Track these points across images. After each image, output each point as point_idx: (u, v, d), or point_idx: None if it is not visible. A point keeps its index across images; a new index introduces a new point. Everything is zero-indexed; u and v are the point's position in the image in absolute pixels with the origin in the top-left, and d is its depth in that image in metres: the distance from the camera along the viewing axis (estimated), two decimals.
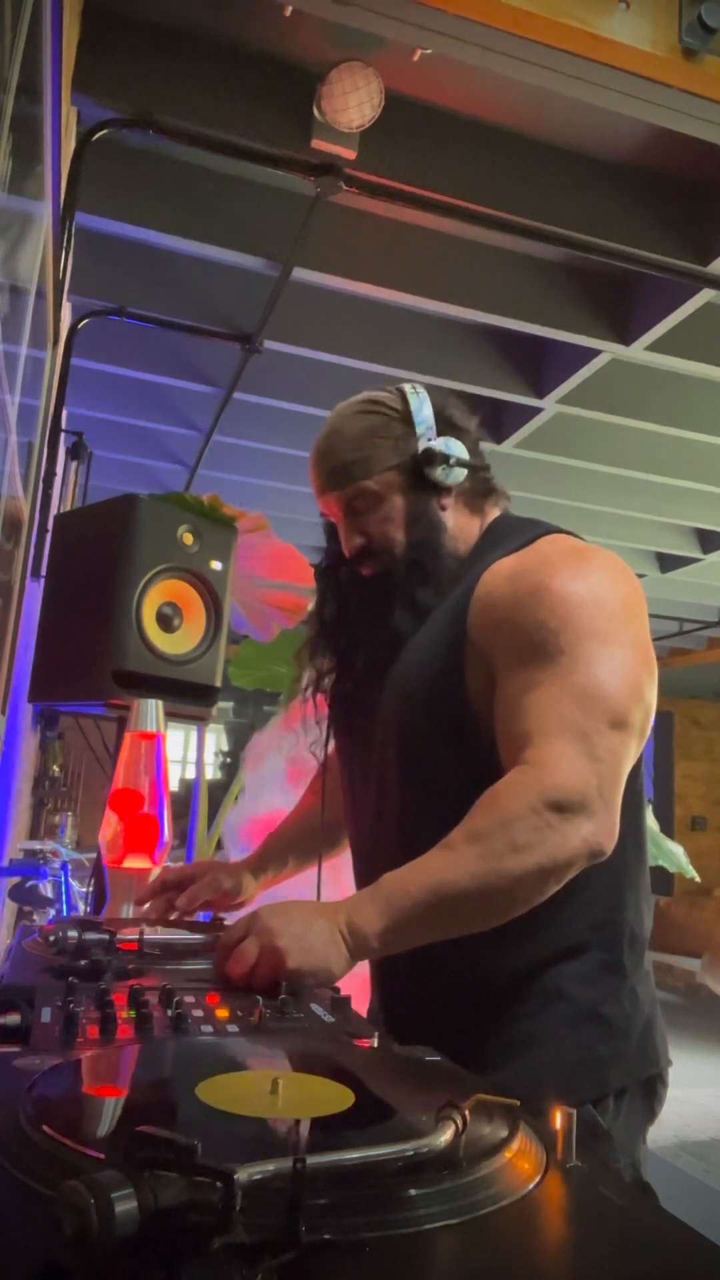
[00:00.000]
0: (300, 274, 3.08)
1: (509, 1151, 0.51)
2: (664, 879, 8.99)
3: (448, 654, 1.13)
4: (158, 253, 3.25)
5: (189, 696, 1.73)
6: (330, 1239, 0.41)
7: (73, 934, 1.00)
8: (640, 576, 6.09)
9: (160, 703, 1.53)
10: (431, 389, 1.27)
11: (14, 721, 2.27)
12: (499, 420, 4.28)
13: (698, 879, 4.65)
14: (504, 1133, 0.53)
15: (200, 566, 1.73)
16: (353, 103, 2.44)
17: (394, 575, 1.21)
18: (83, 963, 0.89)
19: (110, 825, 1.44)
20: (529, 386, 3.89)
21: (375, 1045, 0.73)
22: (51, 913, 2.37)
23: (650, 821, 3.46)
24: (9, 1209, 0.44)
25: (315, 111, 2.50)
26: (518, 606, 1.08)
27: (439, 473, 1.21)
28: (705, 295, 3.08)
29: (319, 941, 0.91)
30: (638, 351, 3.41)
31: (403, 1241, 0.43)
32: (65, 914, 2.35)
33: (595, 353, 3.54)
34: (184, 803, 4.45)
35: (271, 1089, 0.57)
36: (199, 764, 4.47)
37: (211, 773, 8.77)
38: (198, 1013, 0.77)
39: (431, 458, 1.21)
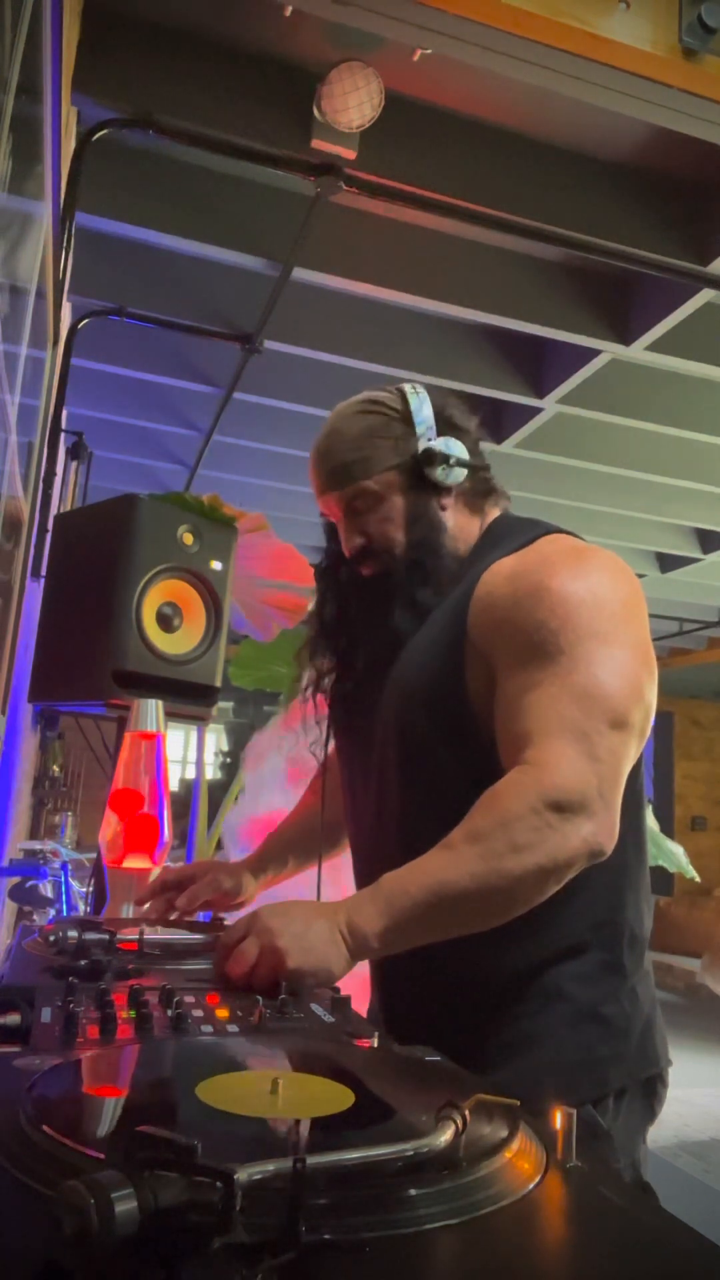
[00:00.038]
0: (300, 274, 3.08)
1: (509, 1151, 0.51)
2: (664, 879, 8.99)
3: (448, 654, 1.13)
4: (158, 253, 3.25)
5: (189, 696, 1.73)
6: (330, 1239, 0.41)
7: (73, 934, 1.00)
8: (640, 576, 6.09)
9: (160, 703, 1.53)
10: (431, 389, 1.27)
11: (14, 721, 2.27)
12: (499, 420, 4.28)
13: (698, 879, 4.66)
14: (504, 1133, 0.53)
15: (200, 566, 1.73)
16: (353, 103, 2.44)
17: (394, 575, 1.21)
18: (83, 963, 0.89)
19: (110, 825, 1.44)
20: (529, 386, 3.89)
21: (375, 1045, 0.73)
22: (51, 913, 2.37)
23: (650, 821, 3.46)
24: (9, 1209, 0.44)
25: (315, 111, 2.50)
26: (518, 606, 1.08)
27: (439, 473, 1.21)
28: (705, 295, 3.08)
29: (319, 941, 0.91)
30: (638, 351, 3.41)
31: (403, 1241, 0.43)
32: (65, 914, 2.35)
33: (595, 353, 3.54)
34: (184, 803, 4.45)
35: (271, 1089, 0.57)
36: (199, 764, 4.47)
37: (211, 773, 8.77)
38: (198, 1013, 0.77)
39: (431, 458, 1.21)
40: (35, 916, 2.46)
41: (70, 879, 2.49)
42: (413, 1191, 0.45)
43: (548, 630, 1.04)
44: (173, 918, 1.25)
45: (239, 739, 9.17)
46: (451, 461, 1.21)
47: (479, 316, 3.35)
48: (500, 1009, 1.08)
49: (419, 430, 1.22)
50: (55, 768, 4.49)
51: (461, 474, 1.22)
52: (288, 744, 3.19)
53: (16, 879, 2.26)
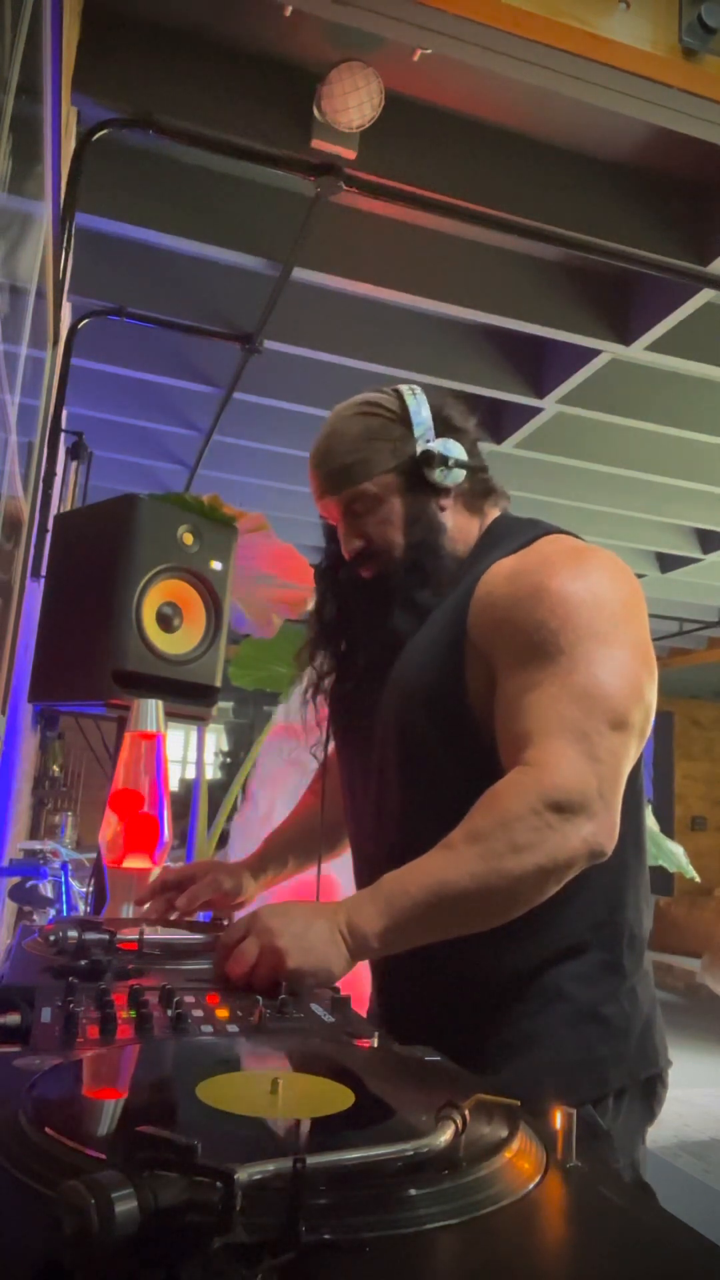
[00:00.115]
0: (300, 274, 3.08)
1: (509, 1151, 0.51)
2: (664, 879, 8.99)
3: (448, 654, 1.13)
4: (158, 253, 3.25)
5: (189, 696, 1.73)
6: (330, 1239, 0.41)
7: (73, 934, 1.00)
8: (640, 576, 6.11)
9: (160, 703, 1.53)
10: (429, 390, 1.27)
11: (14, 721, 2.27)
12: (499, 420, 4.28)
13: (698, 879, 4.66)
14: (504, 1133, 0.53)
15: (200, 566, 1.74)
16: (353, 103, 2.44)
17: (393, 577, 1.21)
18: (83, 963, 0.89)
19: (110, 825, 1.44)
20: (529, 386, 3.89)
21: (375, 1045, 0.73)
22: (51, 913, 2.37)
23: (650, 821, 3.46)
24: (9, 1209, 0.44)
25: (315, 111, 2.50)
26: (517, 607, 1.08)
27: (437, 474, 1.21)
28: (705, 295, 3.08)
29: (319, 941, 0.91)
30: (638, 351, 3.41)
31: (403, 1241, 0.43)
32: (65, 914, 2.35)
33: (595, 353, 3.54)
34: (184, 803, 4.45)
35: (271, 1089, 0.57)
36: (199, 764, 4.47)
37: (211, 773, 8.77)
38: (198, 1013, 0.77)
39: (430, 459, 1.21)
40: (35, 916, 2.46)
41: (70, 879, 2.49)
42: (413, 1191, 0.45)
43: (548, 630, 1.04)
44: (173, 918, 1.25)
45: (239, 739, 9.18)
46: (450, 463, 1.21)
47: (479, 316, 3.35)
48: (500, 1009, 1.08)
49: (417, 432, 1.22)
50: (55, 768, 4.49)
51: (460, 475, 1.22)
52: (289, 748, 3.19)
53: (16, 879, 2.26)
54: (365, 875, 1.21)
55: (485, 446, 1.31)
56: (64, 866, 2.44)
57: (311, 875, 1.35)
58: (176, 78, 2.47)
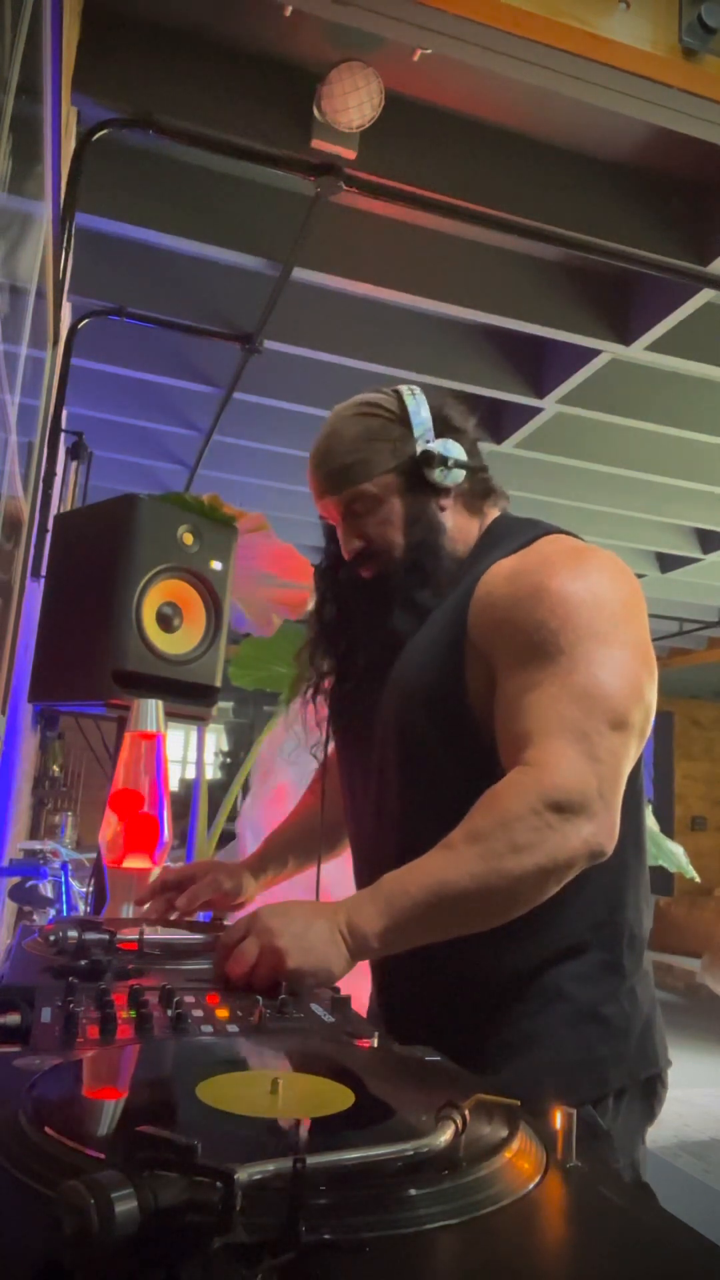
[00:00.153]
0: (300, 274, 3.08)
1: (509, 1151, 0.51)
2: (664, 879, 8.99)
3: (448, 655, 1.13)
4: (158, 253, 3.25)
5: (189, 696, 1.73)
6: (330, 1239, 0.41)
7: (73, 934, 1.00)
8: (640, 576, 6.11)
9: (160, 703, 1.53)
10: (429, 390, 1.27)
11: (14, 721, 2.27)
12: (499, 420, 4.28)
13: (698, 879, 4.66)
14: (504, 1133, 0.53)
15: (200, 566, 1.74)
16: (353, 103, 2.44)
17: (393, 577, 1.21)
18: (83, 963, 0.89)
19: (110, 825, 1.44)
20: (529, 386, 3.89)
21: (375, 1045, 0.73)
22: (51, 913, 2.37)
23: (650, 821, 3.46)
24: (9, 1209, 0.44)
25: (315, 111, 2.50)
26: (517, 607, 1.08)
27: (437, 474, 1.21)
28: (705, 295, 3.08)
29: (319, 941, 0.91)
30: (638, 351, 3.41)
31: (403, 1241, 0.43)
32: (65, 914, 2.35)
33: (595, 353, 3.54)
34: (184, 803, 4.45)
35: (271, 1089, 0.57)
36: (199, 764, 4.47)
37: (211, 773, 8.77)
38: (198, 1013, 0.77)
39: (430, 460, 1.21)
40: (35, 916, 2.46)
41: (70, 879, 2.49)
42: (413, 1191, 0.45)
43: (548, 630, 1.04)
44: (173, 918, 1.25)
45: (239, 739, 9.18)
46: (450, 463, 1.21)
47: (479, 316, 3.35)
48: (500, 1009, 1.08)
49: (417, 432, 1.22)
50: (55, 768, 4.49)
51: (460, 475, 1.22)
52: (289, 746, 3.19)
53: (16, 879, 2.25)
54: (365, 875, 1.21)
55: (485, 446, 1.31)
56: (64, 866, 2.44)
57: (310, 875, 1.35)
58: (176, 78, 2.47)
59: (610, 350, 3.46)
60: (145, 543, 1.67)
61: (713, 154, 2.57)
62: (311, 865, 1.37)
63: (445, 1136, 0.48)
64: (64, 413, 2.52)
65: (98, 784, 1.85)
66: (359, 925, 0.93)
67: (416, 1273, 0.42)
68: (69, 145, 2.25)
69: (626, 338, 3.37)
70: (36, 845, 2.63)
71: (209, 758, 8.99)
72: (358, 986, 0.96)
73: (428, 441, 1.22)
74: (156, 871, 1.41)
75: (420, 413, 1.23)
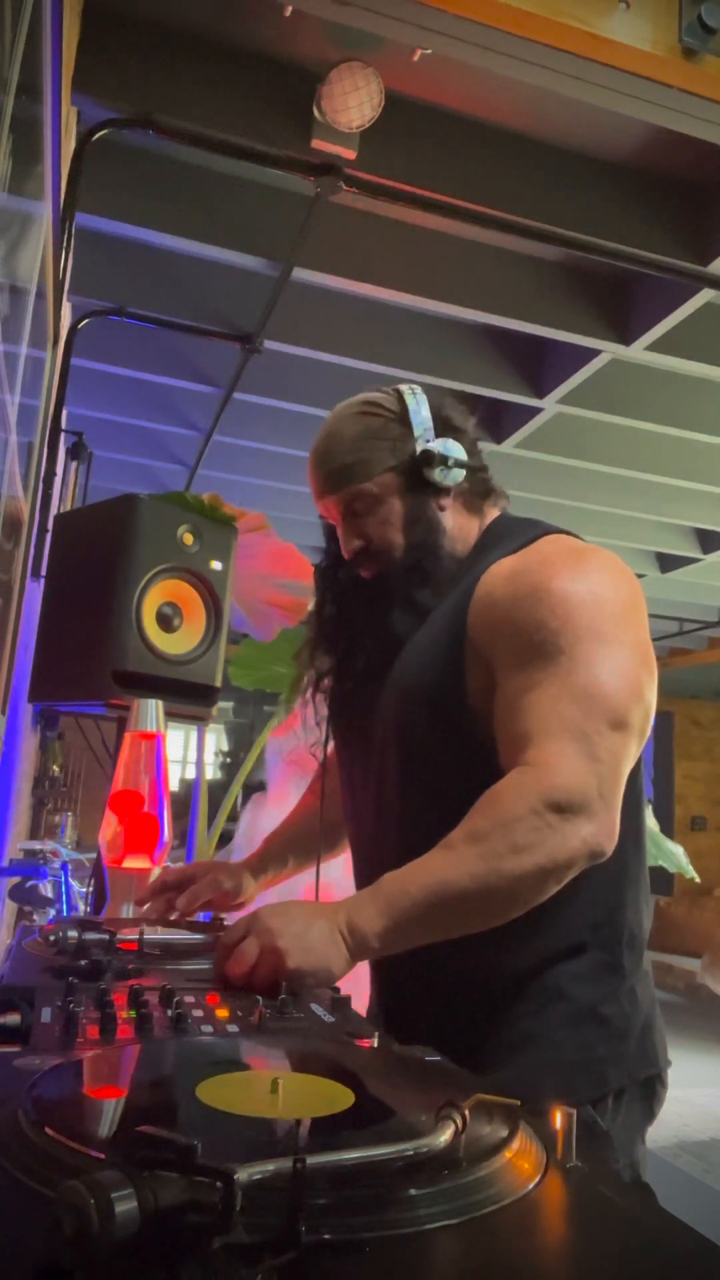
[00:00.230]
0: (300, 274, 3.08)
1: (509, 1151, 0.51)
2: (664, 879, 8.99)
3: (448, 654, 1.13)
4: (158, 253, 3.25)
5: (189, 696, 1.73)
6: (330, 1239, 0.41)
7: (73, 934, 1.00)
8: (640, 576, 6.11)
9: (160, 703, 1.53)
10: (429, 390, 1.27)
11: (14, 721, 2.27)
12: (499, 420, 4.28)
13: (698, 879, 4.65)
14: (504, 1133, 0.53)
15: (200, 566, 1.73)
16: (353, 103, 2.44)
17: (393, 577, 1.21)
18: (83, 963, 0.89)
19: (110, 825, 1.44)
20: (529, 386, 3.89)
21: (375, 1045, 0.73)
22: (51, 913, 2.37)
23: (650, 821, 3.46)
24: (9, 1209, 0.44)
25: (315, 111, 2.50)
26: (517, 607, 1.08)
27: (437, 474, 1.21)
28: (705, 295, 3.08)
29: (319, 941, 0.91)
30: (638, 351, 3.41)
31: (403, 1241, 0.43)
32: (65, 914, 2.35)
33: (595, 353, 3.54)
34: (184, 803, 4.45)
35: (271, 1089, 0.57)
36: (199, 764, 4.47)
37: (211, 773, 8.77)
38: (198, 1013, 0.77)
39: (430, 459, 1.21)
40: (35, 916, 2.46)
41: (70, 879, 2.49)
42: (413, 1191, 0.45)
43: (548, 630, 1.04)
44: (173, 918, 1.25)
45: (239, 739, 9.19)
46: (450, 463, 1.21)
47: (479, 316, 3.35)
48: (500, 1009, 1.08)
49: (417, 432, 1.22)
50: (55, 768, 4.49)
51: (460, 475, 1.22)
52: (287, 745, 3.20)
53: (16, 879, 2.25)
54: (365, 875, 1.21)
55: (485, 446, 1.31)
56: (64, 866, 2.44)
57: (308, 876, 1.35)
58: (176, 78, 2.47)
59: (610, 350, 3.46)
60: (145, 543, 1.67)
61: (713, 154, 2.58)
62: (311, 865, 1.37)
63: (445, 1136, 0.48)
64: (64, 413, 2.51)
65: (98, 784, 1.85)
66: (359, 925, 0.93)
67: (416, 1273, 0.42)
68: (69, 145, 2.25)
69: (626, 338, 3.38)
70: (36, 845, 2.63)
71: (209, 758, 9.00)
72: (358, 986, 0.96)
73: (428, 441, 1.22)
74: (156, 871, 1.41)
75: (420, 412, 1.23)
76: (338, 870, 1.38)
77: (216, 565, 1.76)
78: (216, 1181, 0.39)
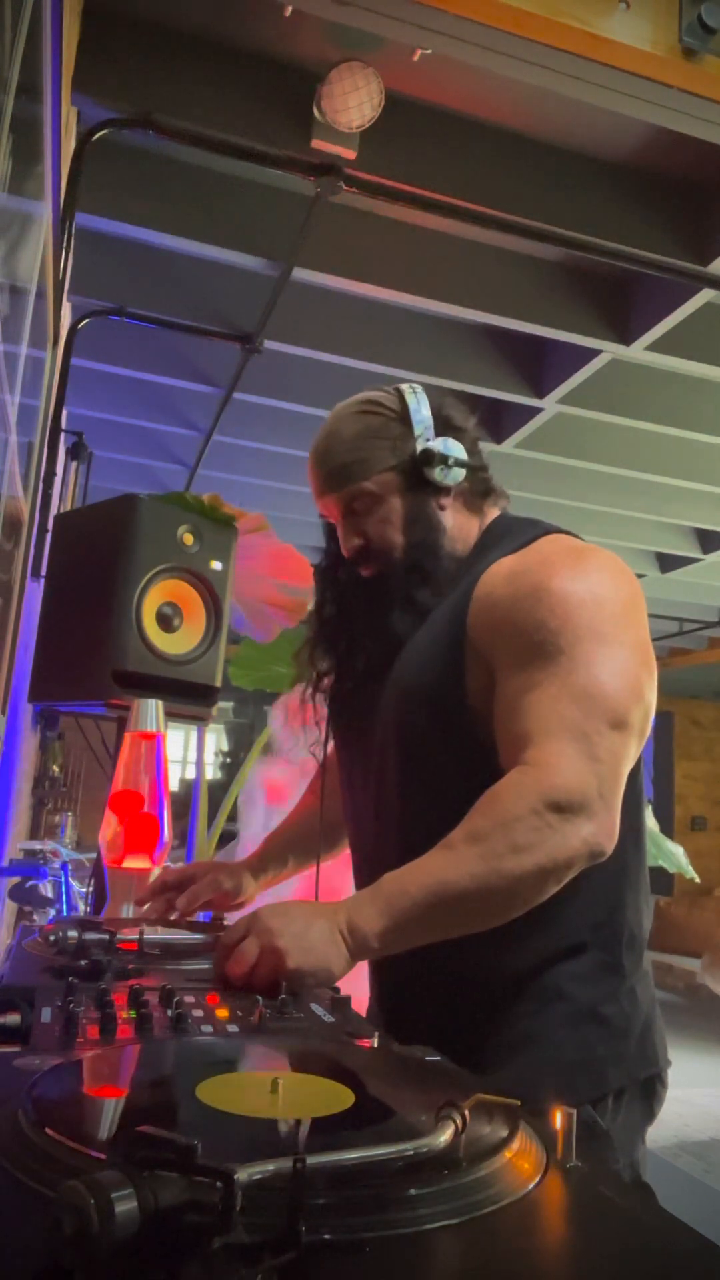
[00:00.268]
0: (300, 274, 3.08)
1: (509, 1151, 0.51)
2: (664, 879, 8.99)
3: (447, 654, 1.13)
4: (158, 253, 3.25)
5: (189, 696, 1.73)
6: (330, 1239, 0.41)
7: (73, 934, 1.00)
8: (640, 576, 6.11)
9: (160, 703, 1.53)
10: (429, 389, 1.27)
11: (14, 721, 2.27)
12: (499, 420, 4.28)
13: (698, 879, 4.66)
14: (504, 1133, 0.53)
15: (200, 566, 1.73)
16: (353, 103, 2.44)
17: (393, 576, 1.21)
18: (83, 963, 0.89)
19: (110, 825, 1.44)
20: (529, 386, 3.89)
21: (375, 1045, 0.73)
22: (51, 913, 2.37)
23: (650, 821, 3.46)
24: (9, 1209, 0.44)
25: (315, 111, 2.50)
26: (517, 606, 1.08)
27: (437, 473, 1.21)
28: (705, 295, 3.08)
29: (319, 941, 0.91)
30: (638, 351, 3.41)
31: (403, 1241, 0.43)
32: (65, 914, 2.35)
33: (595, 353, 3.54)
34: (184, 803, 4.45)
35: (271, 1089, 0.57)
36: (199, 764, 4.47)
37: (211, 773, 8.77)
38: (198, 1013, 0.77)
39: (430, 458, 1.21)
40: (35, 916, 2.46)
41: (70, 879, 2.49)
42: (413, 1191, 0.45)
43: (548, 630, 1.04)
44: (173, 918, 1.25)
45: (239, 739, 9.18)
46: (450, 462, 1.21)
47: (479, 316, 3.35)
48: (500, 1009, 1.08)
49: (417, 431, 1.22)
50: (55, 768, 4.49)
51: (460, 474, 1.22)
52: (287, 745, 3.20)
53: (16, 879, 2.25)
54: (365, 875, 1.21)
55: (485, 446, 1.31)
56: (64, 866, 2.44)
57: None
58: (176, 78, 2.47)
59: (610, 350, 3.46)
60: (145, 543, 1.67)
61: (713, 154, 2.58)
62: (311, 865, 1.37)
63: (445, 1136, 0.48)
64: (64, 413, 2.51)
65: (98, 784, 1.85)
66: (359, 925, 0.93)
67: (416, 1273, 0.42)
68: (69, 145, 2.25)
69: (626, 338, 3.38)
70: (36, 845, 2.63)
71: (209, 758, 9.00)
72: (358, 986, 0.96)
73: (428, 440, 1.22)
74: (156, 871, 1.41)
75: (421, 411, 1.23)
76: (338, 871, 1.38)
77: (216, 565, 1.76)
78: (216, 1181, 0.39)
